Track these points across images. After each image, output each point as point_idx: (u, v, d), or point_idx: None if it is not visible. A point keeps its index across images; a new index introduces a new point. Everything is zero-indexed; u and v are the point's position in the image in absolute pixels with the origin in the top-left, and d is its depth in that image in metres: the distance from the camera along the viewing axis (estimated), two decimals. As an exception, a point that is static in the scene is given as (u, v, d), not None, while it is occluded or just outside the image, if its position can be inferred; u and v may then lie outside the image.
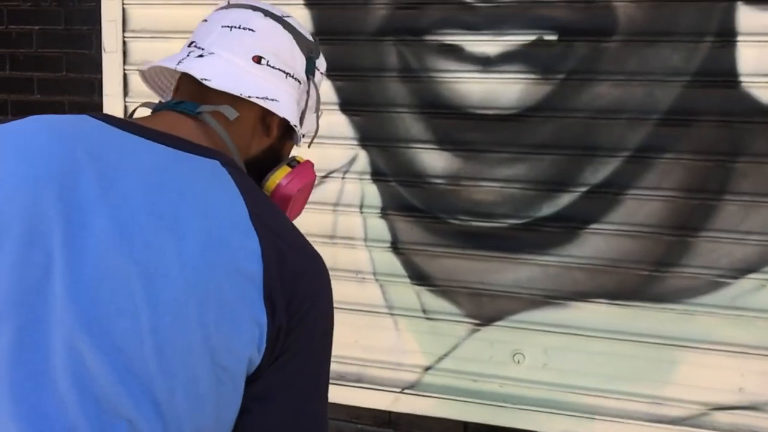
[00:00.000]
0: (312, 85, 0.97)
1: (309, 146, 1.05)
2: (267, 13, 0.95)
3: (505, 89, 2.15)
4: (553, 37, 2.10)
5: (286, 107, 0.92)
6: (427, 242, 2.26)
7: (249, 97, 0.89)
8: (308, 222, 2.30)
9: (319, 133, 2.35)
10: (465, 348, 2.25)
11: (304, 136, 1.00)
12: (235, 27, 0.93)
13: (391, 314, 2.31)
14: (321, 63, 1.01)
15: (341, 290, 2.35)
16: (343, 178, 2.31)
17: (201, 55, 0.92)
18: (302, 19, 2.29)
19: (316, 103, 1.01)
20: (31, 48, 2.69)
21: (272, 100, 0.91)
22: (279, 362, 0.80)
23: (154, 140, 0.83)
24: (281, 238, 0.81)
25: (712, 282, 2.07)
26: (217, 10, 0.97)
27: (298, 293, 0.80)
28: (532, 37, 2.11)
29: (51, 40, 2.65)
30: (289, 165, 0.98)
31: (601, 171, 2.11)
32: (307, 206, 2.51)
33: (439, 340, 2.27)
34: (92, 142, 0.81)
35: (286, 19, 0.97)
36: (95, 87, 2.59)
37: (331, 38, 2.27)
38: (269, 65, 0.93)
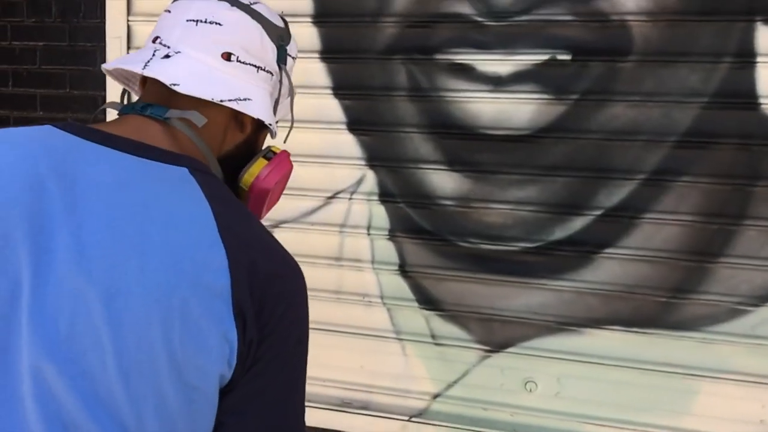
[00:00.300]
0: (284, 73, 0.95)
1: (285, 141, 1.01)
2: (233, 3, 0.92)
3: (516, 109, 2.12)
4: (566, 57, 2.07)
5: (259, 105, 0.90)
6: (436, 265, 2.22)
7: (221, 101, 0.87)
8: (314, 243, 2.32)
9: (326, 153, 2.35)
10: (475, 375, 2.21)
11: (278, 122, 0.98)
12: (201, 21, 0.89)
13: (399, 339, 2.27)
14: (292, 48, 0.98)
15: (347, 314, 2.31)
16: (350, 198, 2.29)
17: (167, 55, 0.88)
18: (310, 37, 2.26)
19: (289, 89, 0.98)
20: (35, 64, 2.66)
21: (244, 99, 0.89)
22: (251, 373, 0.79)
23: (120, 149, 0.82)
24: (251, 246, 0.80)
25: (732, 309, 2.02)
26: None
27: (268, 303, 0.78)
28: (545, 57, 2.08)
29: (55, 56, 2.63)
30: (265, 157, 0.95)
31: (616, 194, 2.07)
32: (312, 227, 2.46)
33: (449, 366, 2.23)
34: (56, 157, 0.80)
35: (253, 6, 0.93)
36: (99, 104, 2.56)
37: (339, 57, 2.25)
38: (239, 61, 0.90)
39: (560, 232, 2.11)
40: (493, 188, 2.15)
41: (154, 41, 0.91)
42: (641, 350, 2.07)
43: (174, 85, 0.85)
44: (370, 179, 2.26)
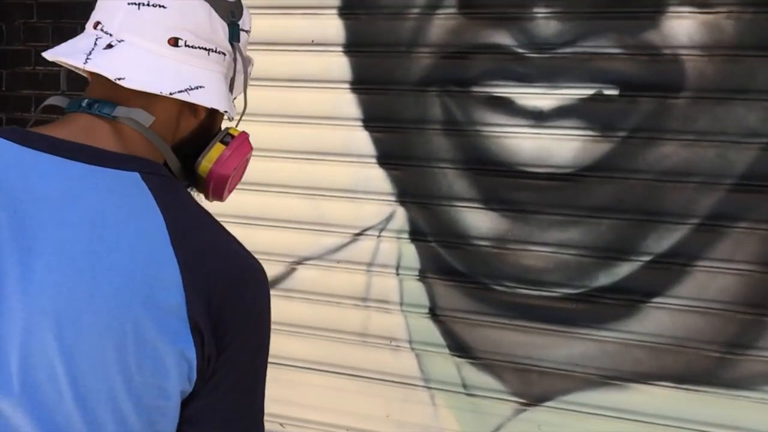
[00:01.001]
0: (237, 51, 0.91)
1: (237, 125, 0.96)
2: None
3: (559, 146, 2.03)
4: (613, 92, 1.98)
5: (212, 92, 0.87)
6: (469, 310, 2.14)
7: (170, 94, 0.84)
8: (339, 282, 2.27)
9: (353, 187, 2.26)
10: (510, 429, 2.11)
11: (235, 98, 0.95)
12: (144, 4, 0.84)
13: (428, 388, 2.19)
14: (245, 21, 0.94)
15: (373, 358, 2.24)
16: (378, 236, 2.22)
17: (110, 45, 0.84)
18: (340, 66, 2.21)
19: (243, 65, 0.94)
20: (58, 89, 2.61)
21: (195, 88, 0.86)
22: (211, 384, 0.80)
23: (68, 157, 0.80)
24: (207, 256, 0.79)
25: (794, 368, 1.88)
26: None
27: (226, 315, 0.78)
28: (590, 91, 2.00)
29: (78, 81, 2.57)
30: (222, 141, 0.92)
31: (666, 239, 1.96)
32: (338, 265, 2.37)
33: (481, 419, 2.13)
34: None
35: None
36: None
37: (370, 87, 2.20)
38: (188, 45, 0.86)
39: (605, 279, 2.01)
40: (533, 229, 2.07)
41: (95, 27, 0.87)
42: (693, 409, 1.96)
43: (119, 79, 0.82)
44: (400, 216, 2.20)
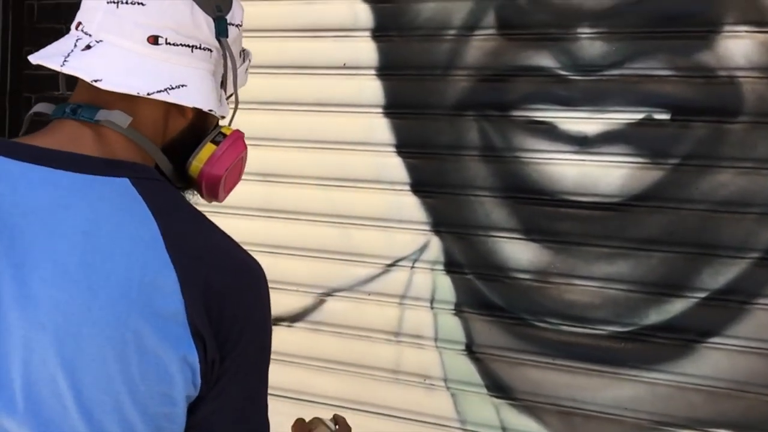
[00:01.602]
0: (226, 47, 0.89)
1: (230, 122, 0.95)
2: None
3: (605, 173, 1.95)
4: (664, 116, 1.89)
5: (196, 90, 0.86)
6: (508, 347, 2.05)
7: (148, 94, 0.83)
8: (370, 315, 2.20)
9: (386, 216, 2.21)
10: None
11: (231, 96, 0.95)
12: (122, 2, 0.84)
13: (464, 429, 2.10)
14: (235, 15, 0.92)
15: (405, 397, 2.15)
16: (412, 267, 2.15)
17: (89, 46, 0.84)
18: (373, 90, 2.17)
19: (239, 60, 0.94)
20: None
21: (177, 87, 0.84)
22: (216, 388, 0.80)
23: (56, 167, 0.80)
24: (203, 260, 0.79)
25: None
26: None
27: (227, 320, 0.79)
28: (639, 116, 1.91)
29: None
30: (214, 141, 0.91)
31: (723, 274, 1.85)
32: (369, 297, 2.31)
33: None
34: None
35: None
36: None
37: (404, 112, 2.15)
38: (169, 43, 0.85)
39: (656, 316, 1.91)
40: (577, 261, 1.98)
41: (77, 27, 0.86)
42: (754, 460, 1.83)
43: (96, 81, 0.82)
44: (435, 246, 2.13)
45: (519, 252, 2.03)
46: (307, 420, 1.07)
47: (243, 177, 0.97)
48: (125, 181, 0.80)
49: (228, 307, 0.79)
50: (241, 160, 0.95)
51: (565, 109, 1.97)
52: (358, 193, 2.17)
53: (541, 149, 2.00)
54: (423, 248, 2.14)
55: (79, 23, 0.86)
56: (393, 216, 2.15)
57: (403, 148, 2.14)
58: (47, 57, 0.85)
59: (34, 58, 0.87)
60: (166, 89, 0.83)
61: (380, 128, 2.16)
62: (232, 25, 0.90)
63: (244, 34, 0.94)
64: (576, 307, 1.98)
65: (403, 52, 2.15)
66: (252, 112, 2.44)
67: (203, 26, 0.86)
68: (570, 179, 1.97)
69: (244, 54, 0.96)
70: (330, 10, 2.19)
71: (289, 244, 2.26)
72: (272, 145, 2.22)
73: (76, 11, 0.88)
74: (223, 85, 0.91)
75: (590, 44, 1.94)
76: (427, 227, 2.13)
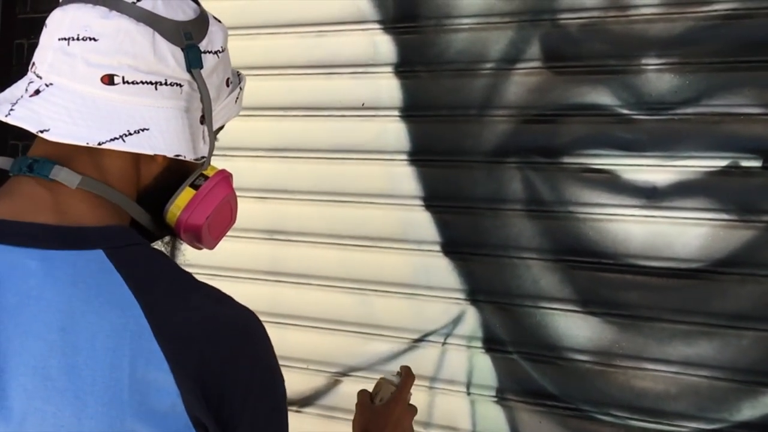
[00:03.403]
0: (199, 80, 0.84)
1: (206, 163, 0.90)
2: (112, 5, 0.81)
3: (681, 233, 1.70)
4: (754, 163, 1.65)
5: (159, 134, 0.81)
6: None
7: (100, 144, 0.78)
8: None
9: (412, 281, 2.07)
10: None
11: (222, 128, 0.93)
12: (73, 39, 0.80)
13: None
14: (213, 42, 0.87)
15: None
16: (443, 344, 1.94)
17: (38, 90, 0.81)
18: (397, 133, 1.99)
19: (227, 89, 0.90)
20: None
21: (136, 132, 0.80)
22: None
23: (17, 243, 0.76)
24: (194, 337, 0.76)
25: None
26: (57, 8, 0.84)
27: (227, 394, 0.76)
28: (723, 162, 1.67)
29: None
30: (193, 185, 0.88)
31: None
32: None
33: None
34: None
35: (140, 4, 0.81)
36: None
37: (433, 159, 1.96)
38: (126, 82, 0.80)
39: (750, 410, 1.64)
40: (648, 341, 1.73)
41: (31, 68, 0.84)
42: None
43: (42, 132, 0.79)
44: (471, 318, 1.92)
45: (575, 327, 1.80)
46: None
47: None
48: (98, 254, 0.77)
49: (227, 383, 0.76)
50: (228, 204, 0.91)
51: (628, 155, 1.74)
52: (379, 255, 1.99)
53: (600, 203, 1.77)
54: (457, 320, 1.94)
55: (33, 63, 0.83)
56: (421, 282, 1.95)
57: (432, 201, 1.95)
58: None
59: None
60: (121, 136, 0.79)
61: (405, 178, 1.98)
62: (209, 53, 0.86)
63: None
64: (647, 398, 1.72)
65: (431, 89, 1.97)
66: (257, 159, 2.22)
67: (168, 59, 0.82)
68: (637, 239, 1.74)
69: (236, 80, 0.92)
70: (346, 43, 2.02)
71: (299, 313, 2.06)
72: (280, 197, 2.06)
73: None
74: (204, 121, 0.86)
75: (658, 77, 1.71)
76: (461, 295, 1.93)
